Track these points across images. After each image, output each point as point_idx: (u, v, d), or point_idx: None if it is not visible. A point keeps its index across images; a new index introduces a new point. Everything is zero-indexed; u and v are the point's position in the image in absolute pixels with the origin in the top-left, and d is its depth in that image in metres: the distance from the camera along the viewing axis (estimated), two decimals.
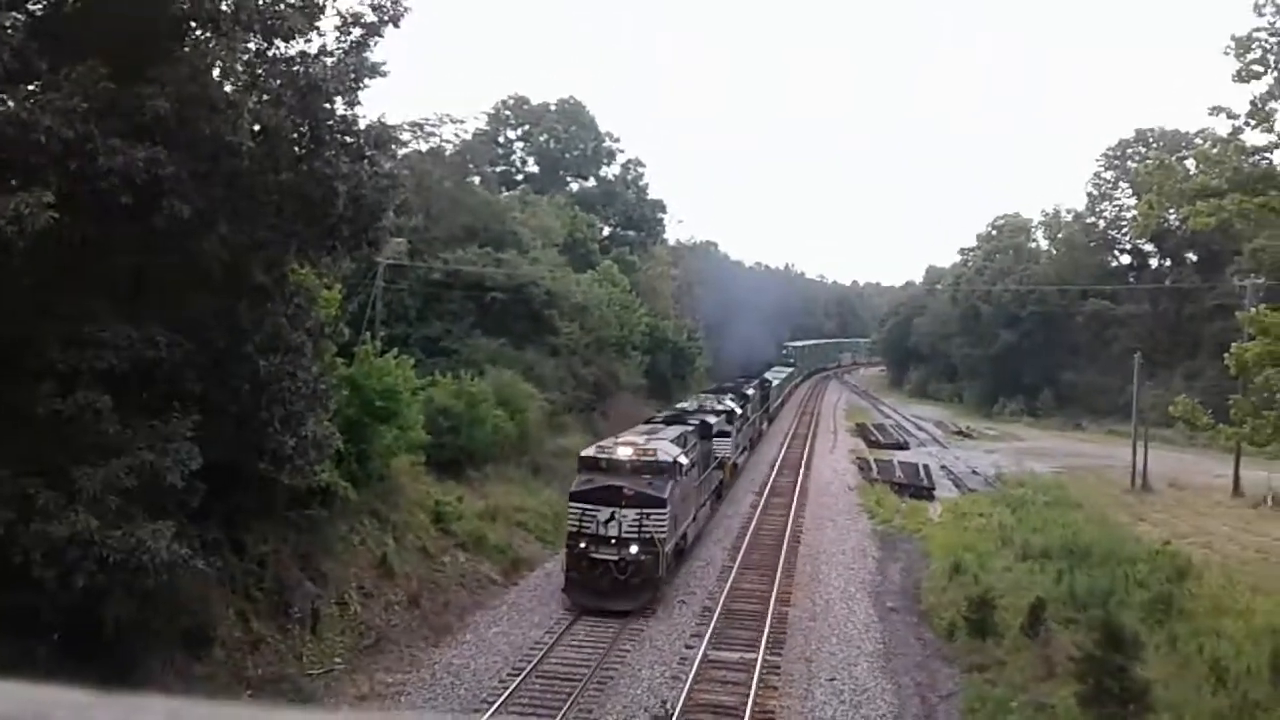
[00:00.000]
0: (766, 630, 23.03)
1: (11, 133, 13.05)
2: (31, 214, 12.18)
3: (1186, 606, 24.85)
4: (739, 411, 42.34)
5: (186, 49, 15.23)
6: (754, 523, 34.96)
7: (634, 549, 24.14)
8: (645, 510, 24.38)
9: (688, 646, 22.18)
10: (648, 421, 34.20)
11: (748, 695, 19.26)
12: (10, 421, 13.61)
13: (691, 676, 20.12)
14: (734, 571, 28.16)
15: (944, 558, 30.21)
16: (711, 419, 35.67)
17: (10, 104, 13.69)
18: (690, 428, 31.37)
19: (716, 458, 35.50)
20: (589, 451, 26.89)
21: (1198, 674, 20.45)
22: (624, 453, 25.93)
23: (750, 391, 51.83)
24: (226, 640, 18.42)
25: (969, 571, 27.89)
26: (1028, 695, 19.91)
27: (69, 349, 13.60)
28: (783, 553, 30.38)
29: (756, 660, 21.11)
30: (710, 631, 22.91)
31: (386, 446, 26.13)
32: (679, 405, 42.00)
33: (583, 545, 24.28)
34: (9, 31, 13.29)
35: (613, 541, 24.18)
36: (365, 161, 17.58)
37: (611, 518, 24.28)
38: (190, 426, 14.63)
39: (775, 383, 70.15)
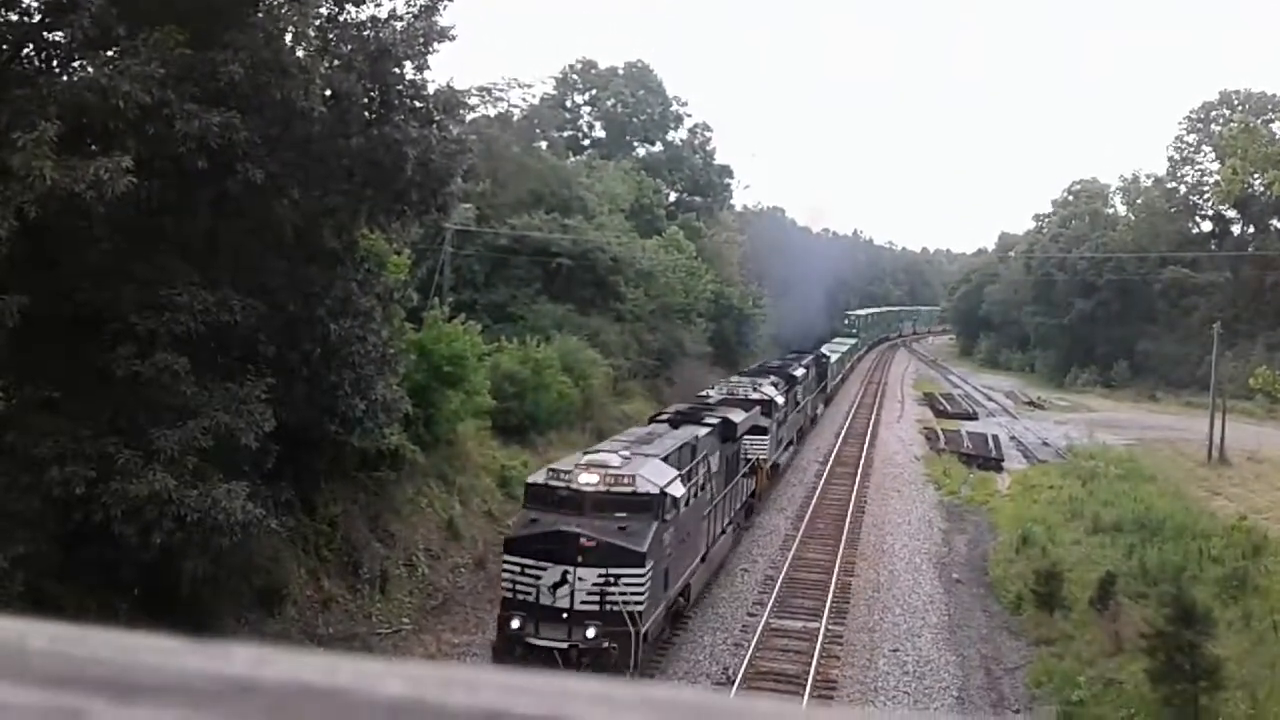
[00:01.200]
0: (829, 600, 22.99)
1: (91, 98, 13.32)
2: (111, 178, 12.44)
3: (1262, 583, 24.27)
4: (780, 401, 34.22)
5: (260, 14, 15.40)
6: (818, 492, 34.82)
7: (592, 631, 16.40)
8: (612, 571, 16.66)
9: (750, 614, 22.24)
10: (654, 419, 26.40)
11: (810, 664, 19.28)
12: (91, 383, 14.00)
13: (754, 644, 20.18)
14: (797, 540, 28.11)
15: (1012, 530, 29.86)
16: (738, 415, 26.63)
17: (90, 69, 13.98)
18: (705, 431, 23.43)
19: (747, 460, 28.03)
20: (538, 477, 18.46)
21: (1272, 652, 20.02)
22: (588, 479, 17.51)
23: (799, 371, 44.18)
24: (298, 599, 18.89)
25: (1037, 544, 27.54)
26: (1095, 670, 19.67)
27: (146, 312, 13.92)
28: (847, 523, 30.25)
29: (819, 629, 21.11)
30: (773, 600, 22.93)
31: (453, 411, 26.45)
32: (704, 392, 33.55)
33: (516, 624, 16.61)
34: None
35: (563, 616, 16.55)
36: (434, 126, 17.67)
37: (562, 580, 16.61)
38: (264, 389, 14.94)
39: (834, 358, 62.41)
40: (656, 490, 17.72)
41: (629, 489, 17.51)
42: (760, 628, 21.03)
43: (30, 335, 13.22)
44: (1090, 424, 56.69)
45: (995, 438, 49.45)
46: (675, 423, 24.42)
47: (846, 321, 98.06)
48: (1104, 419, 59.93)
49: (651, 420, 26.26)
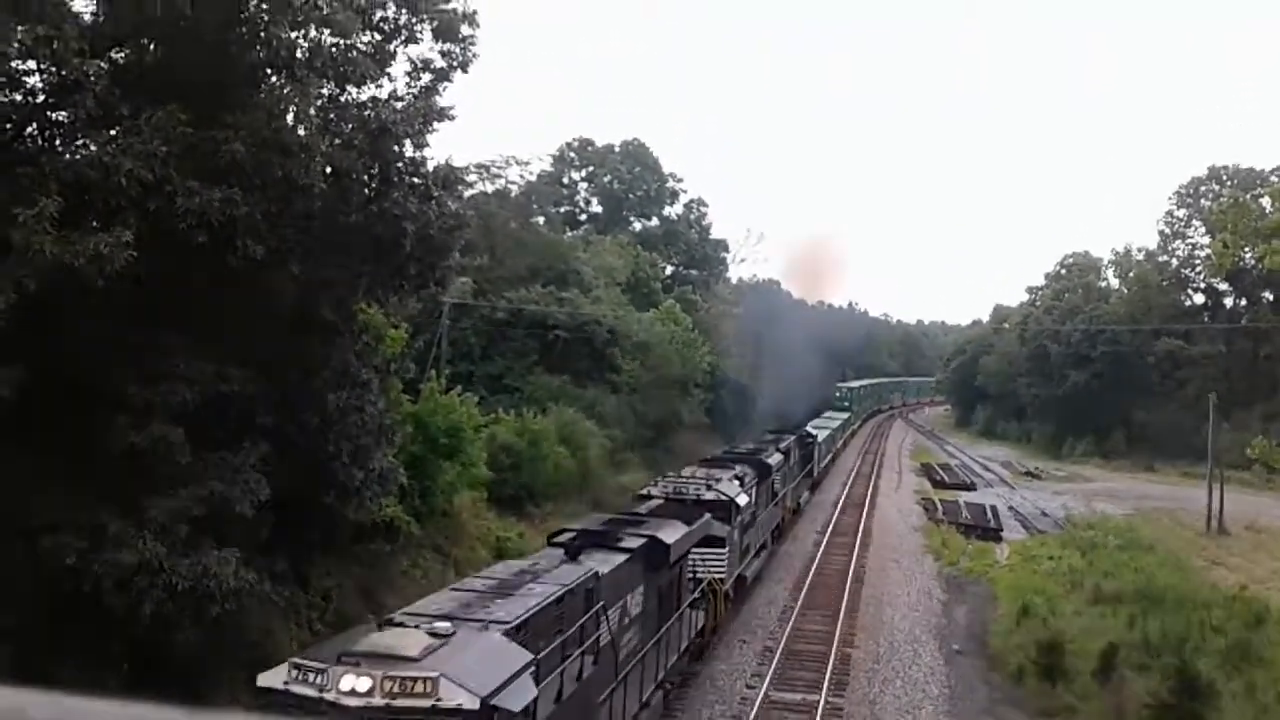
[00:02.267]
0: (829, 671, 22.74)
1: (93, 176, 13.54)
2: (111, 253, 12.61)
3: (1265, 654, 24.10)
4: (744, 501, 26.58)
5: (262, 95, 15.72)
6: (816, 562, 34.59)
7: None
8: None
9: (749, 687, 21.97)
10: (550, 540, 17.68)
11: None
12: (86, 453, 14.02)
13: (752, 718, 19.91)
14: (796, 611, 27.87)
15: (1012, 601, 29.64)
16: (674, 532, 18.94)
17: (92, 148, 14.23)
18: (615, 563, 15.90)
19: (695, 581, 21.53)
20: (273, 678, 10.46)
21: None
22: (356, 686, 9.71)
23: (775, 458, 35.87)
24: None
25: (1038, 615, 27.33)
26: None
27: (144, 383, 14.00)
28: (846, 593, 30.01)
29: (819, 702, 20.85)
30: (771, 672, 22.68)
31: (449, 482, 26.41)
32: (645, 489, 26.39)
33: None
34: (91, 79, 13.84)
35: None
36: (433, 202, 17.94)
37: None
38: (259, 457, 14.96)
39: (822, 437, 54.13)
40: (477, 704, 9.62)
41: (427, 702, 9.57)
42: (759, 700, 20.78)
43: (25, 405, 13.28)
44: (1088, 494, 56.56)
45: (993, 508, 49.27)
46: (574, 549, 15.72)
47: (838, 394, 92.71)
48: (1101, 489, 59.78)
49: (549, 541, 17.74)
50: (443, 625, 10.82)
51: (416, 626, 10.81)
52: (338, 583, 21.01)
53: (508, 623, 11.69)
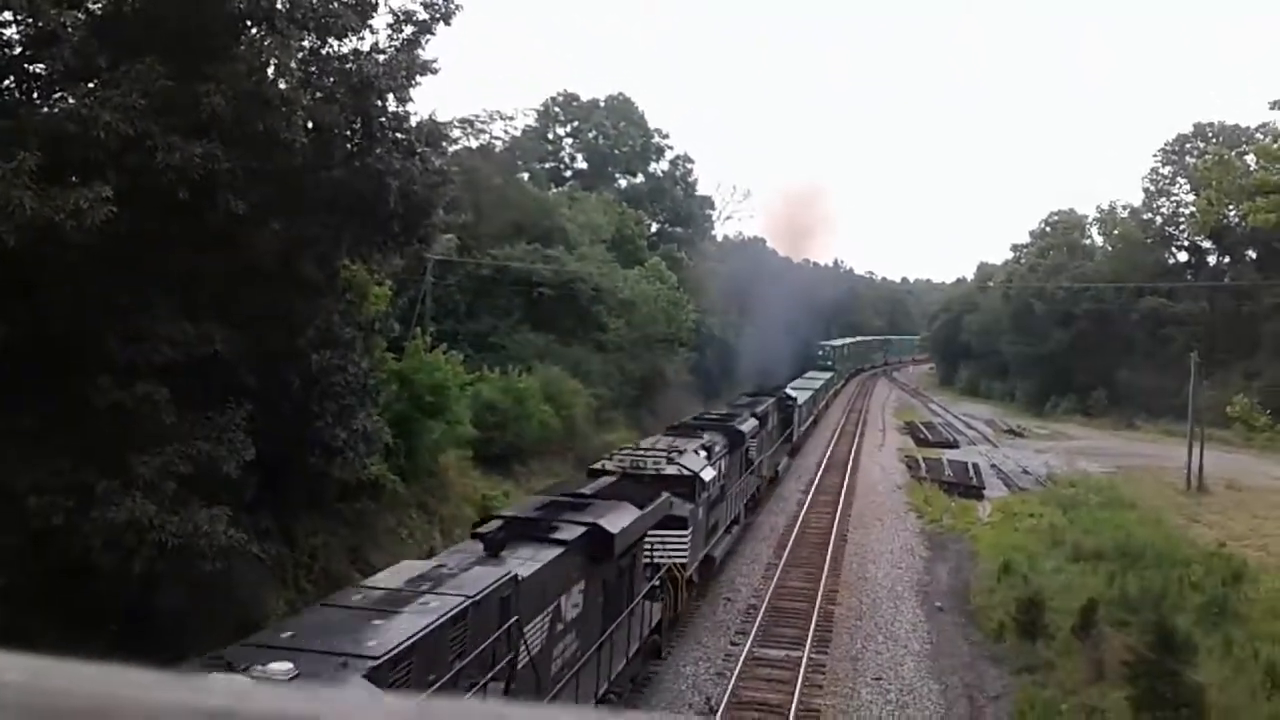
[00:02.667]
0: (812, 628, 22.95)
1: (71, 129, 13.31)
2: (91, 208, 12.42)
3: (1242, 610, 24.42)
4: (709, 476, 23.95)
5: (242, 47, 15.44)
6: (800, 520, 34.81)
7: None
8: None
9: (733, 643, 22.16)
10: (475, 533, 14.46)
11: (793, 693, 19.21)
12: (70, 413, 13.91)
13: (736, 673, 20.10)
14: (779, 568, 28.07)
15: (993, 558, 29.91)
16: (621, 519, 16.13)
17: (70, 100, 13.98)
18: (546, 559, 13.40)
19: (649, 569, 19.10)
20: None
21: (1253, 679, 20.09)
22: None
23: (749, 424, 32.95)
24: None
25: (1019, 572, 27.59)
26: (1078, 698, 19.67)
27: (128, 343, 13.86)
28: (829, 551, 30.23)
29: (802, 658, 21.05)
30: (755, 628, 22.87)
31: (435, 441, 26.37)
32: (600, 464, 23.13)
33: None
34: (69, 30, 13.56)
35: None
36: (416, 158, 17.73)
37: None
38: (244, 418, 14.87)
39: (802, 399, 52.23)
40: None
41: None
42: (743, 657, 20.96)
43: (7, 364, 13.13)
44: (1070, 452, 56.98)
45: (976, 466, 49.58)
46: (496, 543, 13.02)
47: (821, 353, 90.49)
48: (1083, 447, 60.23)
49: (472, 532, 14.75)
50: (279, 668, 8.36)
51: (245, 668, 8.37)
52: (324, 541, 21.02)
53: (376, 658, 9.05)
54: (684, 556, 21.35)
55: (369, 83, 16.66)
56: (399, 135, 17.76)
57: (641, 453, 24.12)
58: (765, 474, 37.17)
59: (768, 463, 37.53)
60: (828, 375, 76.99)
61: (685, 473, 22.74)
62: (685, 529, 21.21)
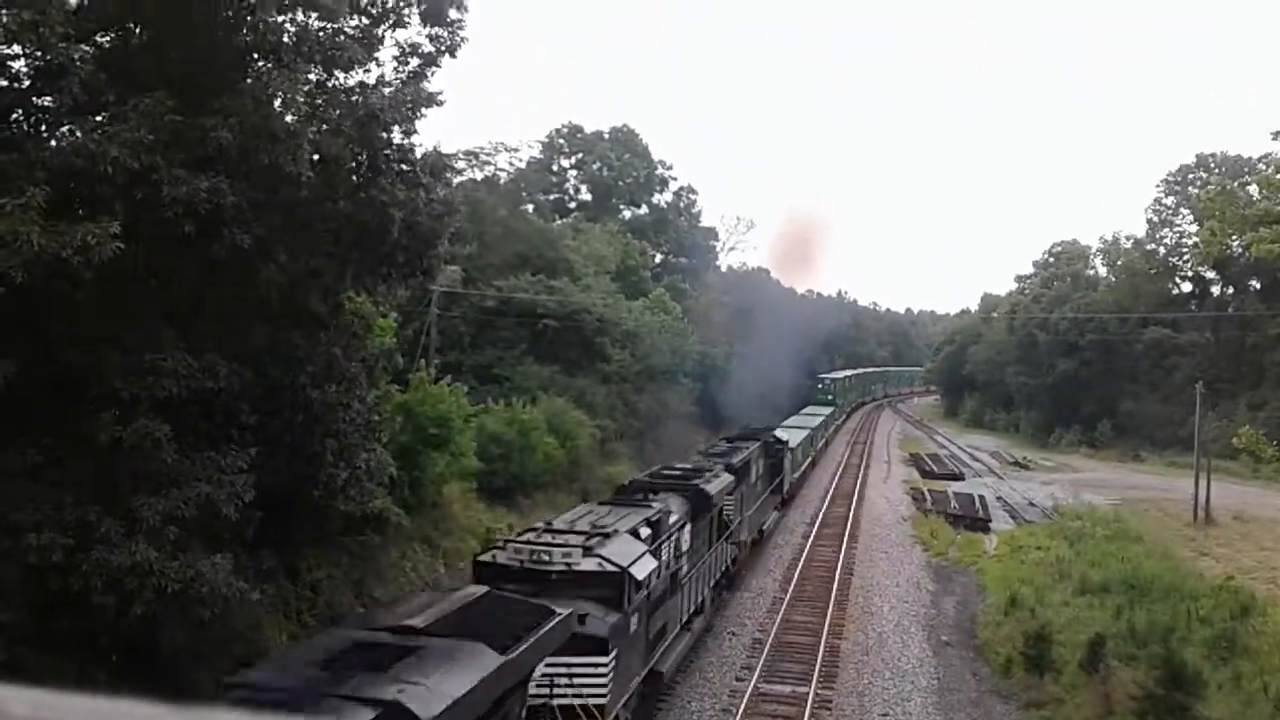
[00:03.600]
0: (818, 663, 22.76)
1: (79, 164, 13.38)
2: (99, 244, 12.46)
3: (1250, 644, 24.20)
4: (647, 571, 17.33)
5: (249, 80, 15.57)
6: (805, 554, 34.62)
7: None
8: None
9: (738, 679, 21.98)
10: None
11: None
12: (72, 448, 13.89)
13: (741, 710, 19.92)
14: (785, 603, 27.89)
15: (1000, 591, 29.71)
16: (443, 690, 9.19)
17: (78, 135, 14.07)
18: None
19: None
20: None
21: (1262, 713, 19.91)
22: None
23: (720, 482, 25.89)
24: None
25: (1026, 606, 27.39)
26: None
27: (130, 377, 13.86)
28: (835, 585, 30.04)
29: (808, 694, 20.86)
30: (761, 664, 22.69)
31: (439, 473, 26.35)
32: (488, 555, 16.90)
33: None
34: (77, 63, 13.67)
35: None
36: (421, 190, 17.82)
37: None
38: (246, 460, 14.84)
39: (795, 440, 44.53)
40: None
41: None
42: (748, 693, 20.78)
43: (11, 399, 13.14)
44: (1076, 484, 56.74)
45: (982, 498, 49.36)
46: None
47: (820, 386, 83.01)
48: (1089, 479, 59.99)
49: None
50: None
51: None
52: (327, 574, 20.93)
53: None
54: (601, 694, 14.82)
55: (374, 115, 16.78)
56: (404, 167, 17.87)
57: (554, 538, 16.96)
58: (745, 538, 29.99)
59: (749, 524, 30.85)
60: (827, 411, 70.71)
61: (609, 568, 16.01)
62: (604, 655, 14.94)
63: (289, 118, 16.12)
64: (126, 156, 13.17)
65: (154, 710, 0.79)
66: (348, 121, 16.60)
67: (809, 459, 52.06)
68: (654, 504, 20.73)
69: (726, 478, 27.02)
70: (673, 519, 20.51)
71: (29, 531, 12.78)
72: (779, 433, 42.85)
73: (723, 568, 26.59)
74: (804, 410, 64.84)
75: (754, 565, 32.47)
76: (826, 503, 46.00)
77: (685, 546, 21.29)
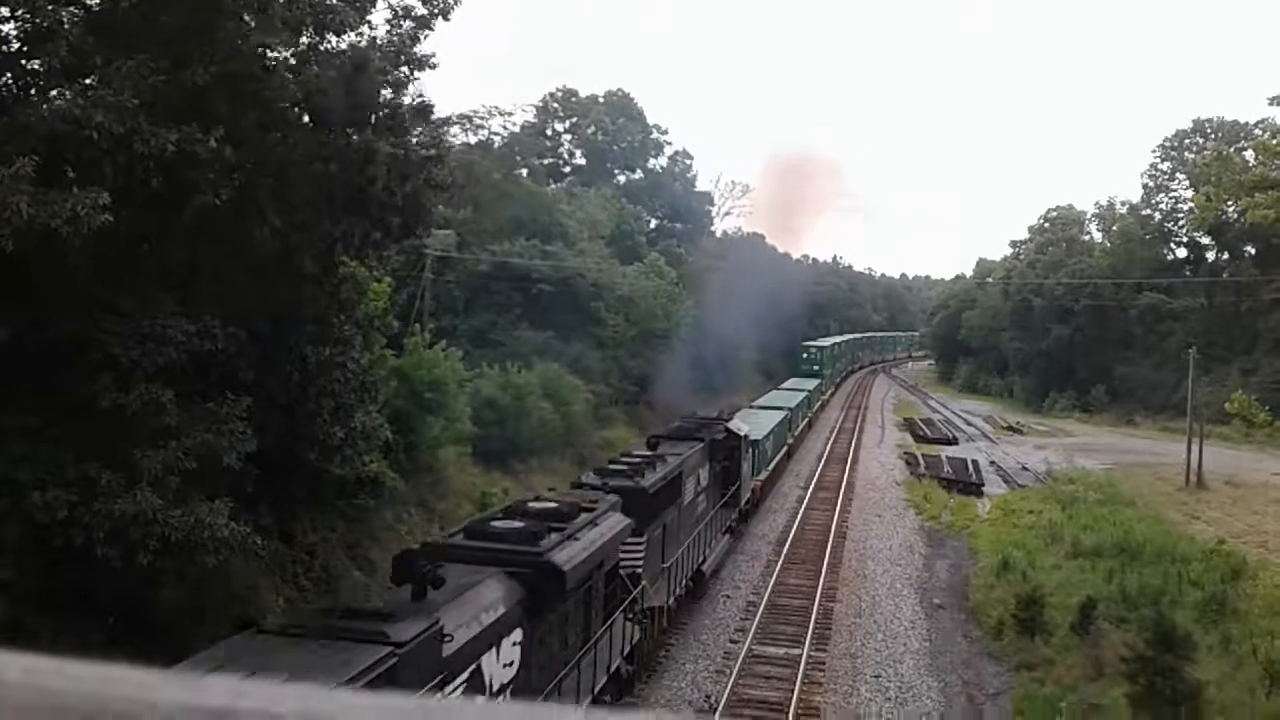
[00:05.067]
0: (811, 625, 22.94)
1: (65, 129, 13.26)
2: (88, 214, 12.37)
3: (1241, 607, 24.45)
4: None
5: (230, 25, 15.29)
6: (799, 517, 34.79)
7: None
8: None
9: (732, 641, 22.16)
10: None
11: (793, 691, 19.21)
12: (71, 411, 13.87)
13: (736, 671, 20.10)
14: (779, 566, 28.07)
15: (992, 555, 29.92)
16: None
17: (66, 98, 13.92)
18: None
19: None
20: None
21: (1252, 676, 20.11)
22: None
23: (610, 524, 16.26)
24: None
25: (1018, 569, 27.60)
26: (1077, 695, 19.69)
27: (129, 343, 13.82)
28: (828, 548, 30.23)
29: (802, 655, 21.05)
30: (755, 626, 22.86)
31: (434, 437, 26.38)
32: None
33: None
34: (65, 26, 13.51)
35: None
36: (408, 139, 17.65)
37: None
38: (244, 410, 14.84)
39: (762, 431, 35.75)
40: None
41: None
42: (742, 654, 20.96)
43: (7, 365, 13.09)
44: (1069, 448, 56.99)
45: (975, 463, 49.57)
46: None
47: (806, 355, 75.87)
48: (1082, 443, 60.25)
49: None
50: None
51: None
52: (322, 537, 21.01)
53: None
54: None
55: (361, 66, 16.61)
56: (393, 122, 17.67)
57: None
58: (667, 599, 21.18)
59: (674, 572, 21.47)
60: (812, 384, 63.01)
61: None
62: None
63: (272, 55, 15.91)
64: (111, 121, 13.03)
65: (148, 675, 0.79)
66: (338, 81, 16.43)
67: (783, 449, 42.52)
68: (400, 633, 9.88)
69: (610, 521, 16.38)
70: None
71: (31, 489, 12.80)
72: (739, 422, 31.90)
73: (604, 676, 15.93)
74: (785, 385, 58.95)
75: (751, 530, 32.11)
76: (821, 465, 46.09)
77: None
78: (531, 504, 15.84)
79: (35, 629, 12.71)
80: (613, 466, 20.84)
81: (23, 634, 12.22)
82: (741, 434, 29.97)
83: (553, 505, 15.85)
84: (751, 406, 44.59)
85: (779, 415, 42.14)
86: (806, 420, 56.07)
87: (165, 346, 13.83)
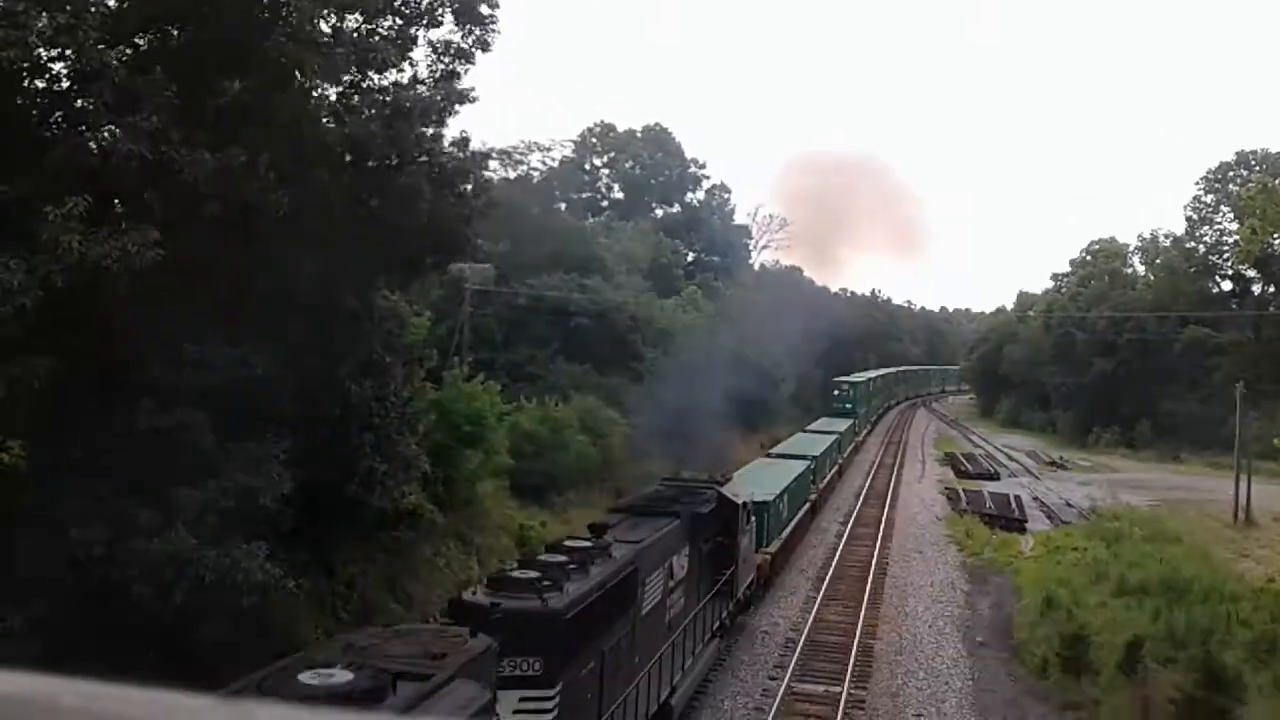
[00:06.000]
0: (851, 663, 22.66)
1: (113, 164, 13.54)
2: (139, 252, 12.61)
3: None
4: None
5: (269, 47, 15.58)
6: (839, 553, 34.45)
7: None
8: None
9: (770, 678, 21.93)
10: None
11: None
12: (110, 440, 14.06)
13: (774, 709, 19.86)
14: (818, 602, 27.78)
15: (1036, 592, 29.43)
16: None
17: (116, 134, 14.23)
18: None
19: None
20: None
21: None
22: None
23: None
24: None
25: (1062, 607, 27.11)
26: None
27: (169, 368, 14.03)
28: (868, 584, 29.90)
29: (841, 694, 20.78)
30: (794, 663, 22.62)
31: (472, 471, 26.45)
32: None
33: None
34: (114, 65, 13.83)
35: None
36: (449, 190, 17.92)
37: None
38: (284, 450, 14.98)
39: (769, 494, 28.82)
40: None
41: None
42: (781, 692, 20.72)
43: (51, 394, 13.32)
44: (1113, 484, 56.12)
45: (1018, 498, 48.92)
46: None
47: (838, 393, 69.07)
48: (1127, 479, 59.33)
49: None
50: None
51: None
52: (362, 570, 21.06)
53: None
54: None
55: (402, 111, 16.88)
56: (435, 164, 17.94)
57: None
58: None
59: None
60: (844, 425, 56.27)
61: None
62: None
63: (316, 92, 16.18)
64: (145, 148, 13.26)
65: (200, 702, 0.80)
66: (378, 120, 16.71)
67: (804, 507, 35.13)
68: None
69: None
70: None
71: (71, 526, 12.96)
72: (741, 484, 26.13)
73: None
74: (813, 426, 53.16)
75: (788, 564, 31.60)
76: (860, 502, 45.59)
77: None
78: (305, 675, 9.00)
79: (75, 664, 12.82)
80: (517, 575, 13.55)
81: (64, 668, 12.31)
82: (739, 502, 23.25)
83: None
84: (771, 454, 39.06)
85: (799, 467, 35.59)
86: (836, 468, 48.65)
87: (205, 372, 14.02)
